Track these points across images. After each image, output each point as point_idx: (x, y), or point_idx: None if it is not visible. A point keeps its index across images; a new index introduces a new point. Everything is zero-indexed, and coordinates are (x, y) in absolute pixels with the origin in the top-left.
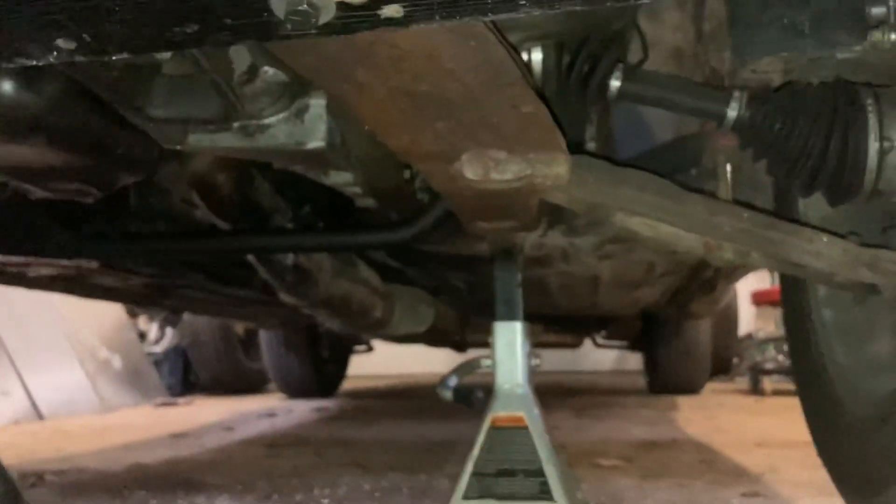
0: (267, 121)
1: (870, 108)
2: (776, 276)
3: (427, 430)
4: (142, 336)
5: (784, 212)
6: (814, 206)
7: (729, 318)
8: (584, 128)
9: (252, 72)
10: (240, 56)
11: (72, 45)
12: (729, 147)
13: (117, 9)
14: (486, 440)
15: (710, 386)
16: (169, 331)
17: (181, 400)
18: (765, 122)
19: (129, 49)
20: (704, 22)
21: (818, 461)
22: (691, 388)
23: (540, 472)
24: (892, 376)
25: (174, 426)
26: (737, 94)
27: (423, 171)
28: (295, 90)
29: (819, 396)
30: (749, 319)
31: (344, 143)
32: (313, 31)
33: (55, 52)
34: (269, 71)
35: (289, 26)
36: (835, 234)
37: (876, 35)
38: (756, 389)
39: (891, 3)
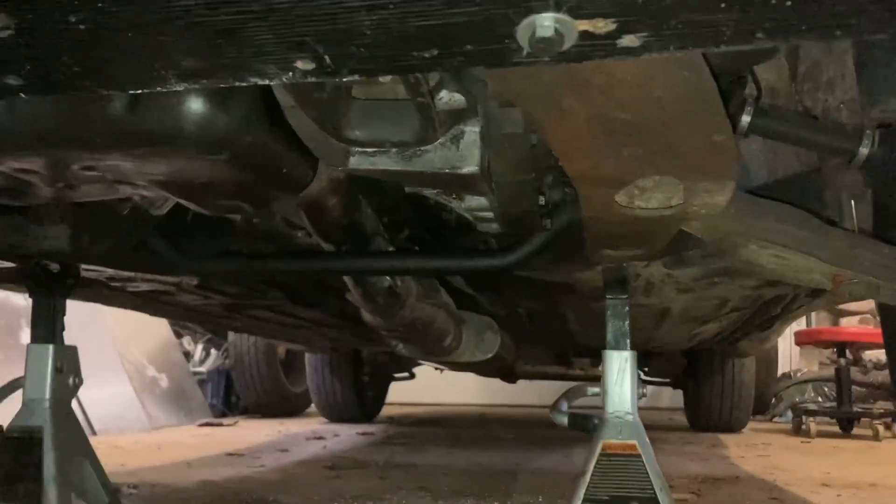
0: (426, 146)
1: None
2: (813, 318)
3: (480, 458)
4: (186, 356)
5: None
6: None
7: (770, 358)
8: None
9: (430, 96)
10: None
11: (310, 66)
12: (853, 184)
13: (367, 32)
14: (597, 467)
15: (750, 425)
16: (213, 352)
17: (226, 420)
18: (893, 161)
19: (363, 72)
20: (799, 62)
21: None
22: (733, 427)
23: (654, 500)
24: None
25: (226, 446)
26: (868, 131)
27: (583, 195)
28: (455, 116)
29: None
30: (787, 359)
31: (489, 168)
32: (546, 59)
33: (291, 73)
34: (444, 97)
35: (527, 53)
36: None
37: None
38: (800, 430)
39: None
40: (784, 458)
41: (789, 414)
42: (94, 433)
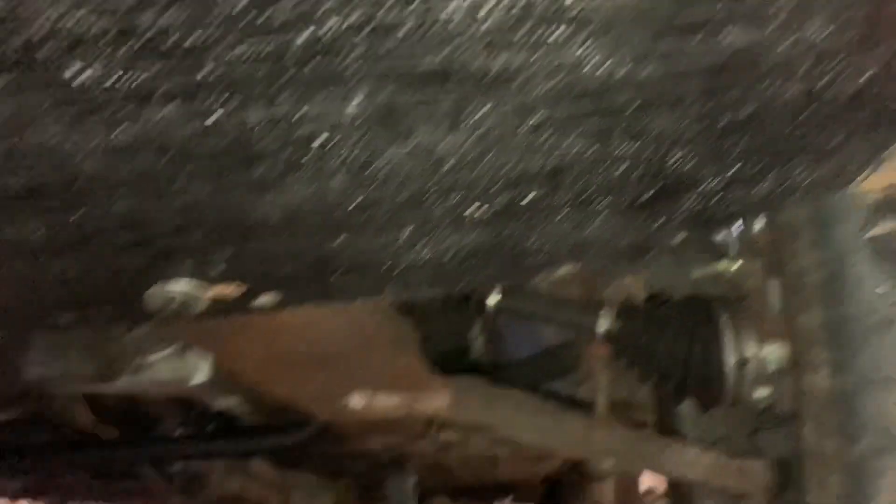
0: (151, 358)
1: (725, 325)
2: None
3: None
4: None
5: (663, 405)
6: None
7: (631, 475)
8: (470, 332)
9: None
10: None
11: None
12: (603, 355)
13: None
14: None
15: None
16: None
17: None
18: (632, 335)
19: (3, 329)
20: None
21: None
22: None
23: None
24: None
25: None
26: (605, 309)
27: (306, 409)
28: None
29: None
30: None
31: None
32: (189, 317)
33: None
34: None
35: (164, 315)
36: (705, 444)
37: (722, 265)
38: None
39: (733, 234)
40: None
41: None
42: None
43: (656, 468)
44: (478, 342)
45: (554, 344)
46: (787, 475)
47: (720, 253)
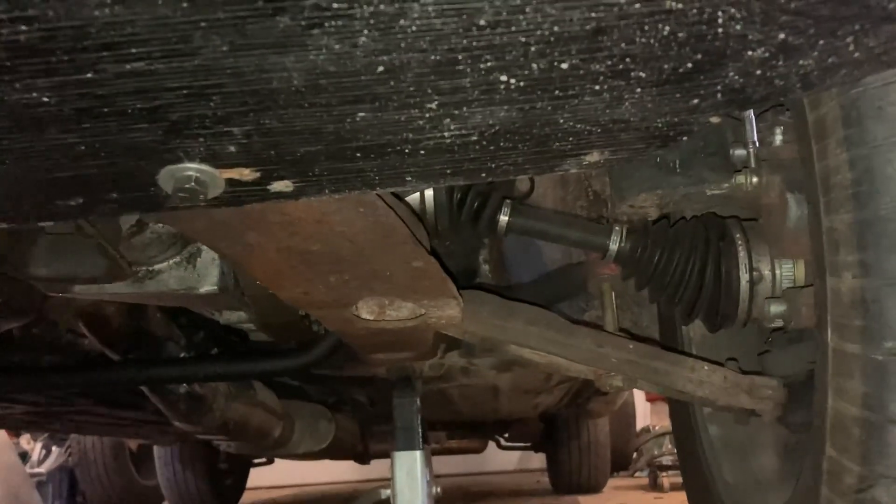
0: (157, 266)
1: (739, 242)
2: None
3: None
4: (24, 456)
5: (667, 329)
6: (696, 323)
7: (626, 414)
8: (478, 254)
9: (141, 225)
10: None
11: None
12: (612, 276)
13: None
14: None
15: (612, 482)
16: (54, 449)
17: None
18: (643, 254)
19: (8, 220)
20: None
21: None
22: (594, 487)
23: None
24: (779, 493)
25: None
26: (617, 227)
27: (316, 316)
28: (186, 237)
29: None
30: (645, 413)
31: (237, 283)
32: (201, 204)
33: None
34: (158, 224)
35: (177, 201)
36: (715, 362)
37: (739, 178)
38: (655, 485)
39: (750, 148)
40: None
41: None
42: None
43: (666, 384)
44: (484, 267)
45: (559, 266)
46: (797, 394)
47: (736, 169)
